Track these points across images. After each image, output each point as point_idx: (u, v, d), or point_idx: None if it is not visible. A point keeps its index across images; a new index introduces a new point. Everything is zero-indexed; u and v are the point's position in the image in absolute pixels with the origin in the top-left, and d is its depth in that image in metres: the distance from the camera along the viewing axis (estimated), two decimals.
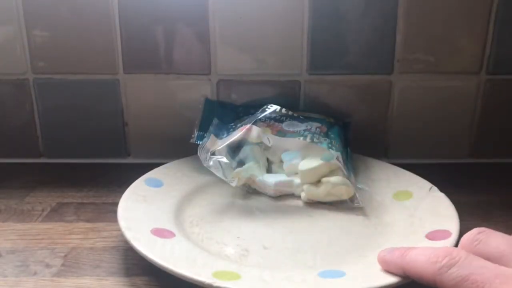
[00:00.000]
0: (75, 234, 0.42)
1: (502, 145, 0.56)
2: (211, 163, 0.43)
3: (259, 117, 0.47)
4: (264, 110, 0.47)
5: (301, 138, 0.45)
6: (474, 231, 0.30)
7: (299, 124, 0.48)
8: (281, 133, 0.46)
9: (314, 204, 0.45)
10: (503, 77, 0.53)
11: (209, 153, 0.44)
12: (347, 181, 0.44)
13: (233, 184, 0.44)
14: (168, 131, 0.55)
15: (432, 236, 0.37)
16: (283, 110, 0.48)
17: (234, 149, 0.46)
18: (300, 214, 0.44)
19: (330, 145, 0.45)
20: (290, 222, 0.42)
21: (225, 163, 0.44)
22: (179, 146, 0.51)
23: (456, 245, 0.35)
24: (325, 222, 0.42)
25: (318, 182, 0.44)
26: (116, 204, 0.40)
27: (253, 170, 0.46)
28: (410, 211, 0.42)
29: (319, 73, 0.53)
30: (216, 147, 0.44)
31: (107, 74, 0.53)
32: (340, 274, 0.33)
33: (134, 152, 0.56)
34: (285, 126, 0.48)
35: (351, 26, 0.51)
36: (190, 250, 0.36)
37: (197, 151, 0.44)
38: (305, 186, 0.45)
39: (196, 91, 0.54)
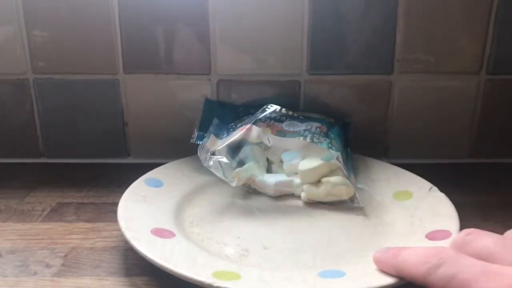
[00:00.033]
0: (75, 234, 0.42)
1: (502, 145, 0.56)
2: (211, 163, 0.43)
3: (259, 117, 0.47)
4: (264, 110, 0.47)
5: (301, 138, 0.45)
6: (462, 233, 0.31)
7: (299, 124, 0.48)
8: (281, 133, 0.46)
9: (314, 204, 0.45)
10: (503, 77, 0.53)
11: (209, 153, 0.44)
12: (347, 181, 0.44)
13: (233, 184, 0.44)
14: (168, 131, 0.55)
15: (432, 236, 0.37)
16: (283, 110, 0.48)
17: (234, 149, 0.46)
18: (300, 214, 0.44)
19: (330, 145, 0.45)
20: (290, 222, 0.42)
21: (225, 163, 0.44)
22: (179, 146, 0.51)
23: None
24: (325, 222, 0.42)
25: (318, 182, 0.44)
26: (116, 204, 0.40)
27: (253, 170, 0.46)
28: (410, 211, 0.42)
29: (319, 73, 0.53)
30: (216, 147, 0.44)
31: (107, 74, 0.53)
32: (340, 274, 0.33)
33: (134, 152, 0.56)
34: (285, 126, 0.48)
35: (351, 26, 0.51)
36: (190, 250, 0.36)
37: (197, 151, 0.44)
38: (305, 186, 0.45)
39: (196, 91, 0.54)
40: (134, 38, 0.52)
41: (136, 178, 0.45)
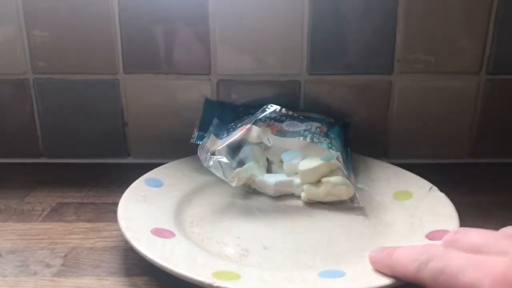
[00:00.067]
0: (75, 234, 0.42)
1: (502, 145, 0.56)
2: (211, 163, 0.43)
3: (259, 117, 0.47)
4: (264, 110, 0.47)
5: (301, 138, 0.45)
6: (451, 233, 0.31)
7: (299, 124, 0.48)
8: (281, 133, 0.46)
9: (314, 204, 0.45)
10: (503, 77, 0.53)
11: (209, 153, 0.44)
12: (347, 181, 0.44)
13: (233, 184, 0.44)
14: (168, 131, 0.55)
15: (432, 236, 0.37)
16: (283, 110, 0.48)
17: (234, 149, 0.46)
18: (300, 214, 0.44)
19: (330, 145, 0.45)
20: (290, 222, 0.42)
21: (225, 163, 0.44)
22: (179, 146, 0.51)
23: None
24: (325, 222, 0.42)
25: (318, 182, 0.44)
26: (116, 204, 0.40)
27: (253, 170, 0.46)
28: (410, 211, 0.42)
29: (319, 73, 0.53)
30: (216, 147, 0.44)
31: (107, 74, 0.53)
32: (340, 274, 0.33)
33: (134, 152, 0.56)
34: (285, 126, 0.48)
35: (351, 26, 0.51)
36: (190, 250, 0.36)
37: (197, 151, 0.44)
38: (305, 186, 0.45)
39: (196, 91, 0.54)
40: (134, 38, 0.52)
41: (136, 178, 0.45)
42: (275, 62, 0.53)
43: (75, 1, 0.50)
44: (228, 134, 0.46)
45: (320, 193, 0.44)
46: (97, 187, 0.50)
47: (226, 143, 0.44)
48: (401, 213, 0.42)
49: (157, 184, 0.45)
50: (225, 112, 0.51)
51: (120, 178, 0.50)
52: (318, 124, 0.48)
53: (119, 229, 0.37)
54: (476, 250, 0.28)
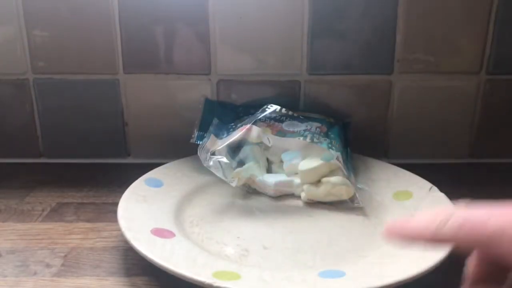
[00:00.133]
0: (75, 234, 0.42)
1: (502, 145, 0.56)
2: (211, 163, 0.43)
3: (259, 117, 0.47)
4: (264, 110, 0.47)
5: (301, 138, 0.45)
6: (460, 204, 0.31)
7: (299, 124, 0.48)
8: (281, 133, 0.46)
9: (314, 204, 0.45)
10: (503, 77, 0.53)
11: (209, 153, 0.44)
12: (347, 181, 0.44)
13: (233, 184, 0.44)
14: (168, 131, 0.55)
15: None
16: (283, 110, 0.48)
17: (234, 149, 0.46)
18: (300, 214, 0.44)
19: (330, 145, 0.45)
20: (290, 222, 0.42)
21: (225, 163, 0.44)
22: (179, 146, 0.51)
23: None
24: (325, 222, 0.42)
25: (318, 182, 0.44)
26: (116, 204, 0.40)
27: (253, 170, 0.46)
28: (410, 211, 0.42)
29: (319, 73, 0.53)
30: (216, 147, 0.44)
31: (107, 74, 0.53)
32: (340, 274, 0.33)
33: (134, 152, 0.56)
34: (285, 126, 0.48)
35: (351, 26, 0.51)
36: (190, 250, 0.36)
37: (197, 151, 0.44)
38: (305, 186, 0.45)
39: (196, 91, 0.54)
40: (134, 38, 0.52)
41: (136, 178, 0.45)
42: (275, 62, 0.53)
43: (75, 1, 0.50)
44: (228, 134, 0.46)
45: (320, 193, 0.44)
46: (97, 187, 0.50)
47: (226, 143, 0.44)
48: (401, 213, 0.42)
49: (157, 184, 0.45)
50: (225, 112, 0.51)
51: (120, 178, 0.50)
52: (318, 124, 0.48)
53: (119, 229, 0.37)
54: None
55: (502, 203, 0.30)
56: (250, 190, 0.47)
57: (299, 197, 0.46)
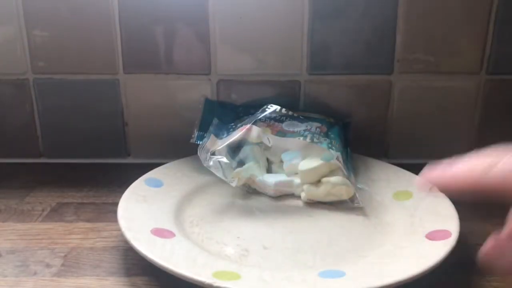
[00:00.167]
0: (75, 234, 0.42)
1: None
2: (211, 163, 0.43)
3: (259, 117, 0.47)
4: (264, 110, 0.47)
5: (301, 138, 0.45)
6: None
7: (299, 124, 0.48)
8: (281, 133, 0.46)
9: (314, 204, 0.45)
10: (503, 77, 0.53)
11: (209, 153, 0.44)
12: (347, 181, 0.44)
13: (233, 184, 0.44)
14: (168, 131, 0.55)
15: (432, 236, 0.37)
16: (283, 110, 0.48)
17: (234, 149, 0.46)
18: (300, 214, 0.44)
19: (330, 145, 0.45)
20: (290, 222, 0.42)
21: (225, 163, 0.44)
22: (179, 146, 0.51)
23: (456, 245, 0.35)
24: (325, 222, 0.42)
25: (318, 182, 0.44)
26: (116, 204, 0.40)
27: (253, 170, 0.46)
28: (410, 211, 0.42)
29: (319, 73, 0.53)
30: (216, 147, 0.44)
31: (107, 74, 0.53)
32: (340, 274, 0.33)
33: (134, 152, 0.56)
34: (285, 126, 0.48)
35: (351, 26, 0.51)
36: (190, 250, 0.36)
37: (197, 151, 0.44)
38: (305, 186, 0.45)
39: (196, 91, 0.54)
40: (134, 38, 0.52)
41: (136, 178, 0.45)
42: (275, 62, 0.53)
43: (75, 1, 0.50)
44: (228, 134, 0.46)
45: (320, 193, 0.44)
46: (97, 187, 0.50)
47: (226, 143, 0.44)
48: (401, 213, 0.42)
49: (157, 184, 0.45)
50: (225, 112, 0.51)
51: (120, 178, 0.50)
52: (318, 124, 0.48)
53: (119, 229, 0.37)
54: None
55: None
56: (250, 190, 0.47)
57: (299, 197, 0.46)
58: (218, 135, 0.46)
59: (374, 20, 0.51)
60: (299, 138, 0.45)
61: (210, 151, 0.44)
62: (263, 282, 0.32)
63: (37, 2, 0.51)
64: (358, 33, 0.52)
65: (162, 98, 0.54)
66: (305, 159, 0.45)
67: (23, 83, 0.54)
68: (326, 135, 0.47)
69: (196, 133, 0.48)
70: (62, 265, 0.37)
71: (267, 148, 0.47)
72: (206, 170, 0.44)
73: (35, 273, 0.36)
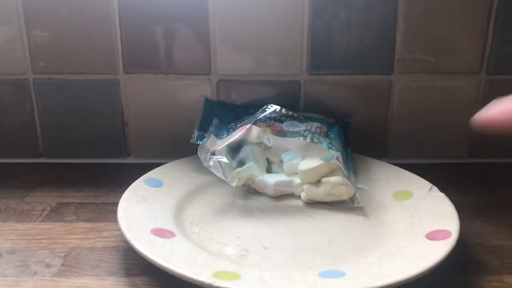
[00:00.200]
0: (75, 234, 0.42)
1: (502, 145, 0.56)
2: (211, 163, 0.43)
3: (259, 117, 0.47)
4: (264, 110, 0.47)
5: (301, 138, 0.45)
6: None
7: (299, 124, 0.48)
8: (281, 133, 0.46)
9: (314, 204, 0.45)
10: (503, 77, 0.53)
11: (209, 153, 0.44)
12: (347, 181, 0.44)
13: (233, 184, 0.44)
14: (168, 131, 0.55)
15: (432, 236, 0.37)
16: (283, 110, 0.48)
17: (234, 149, 0.46)
18: (300, 214, 0.44)
19: (330, 145, 0.45)
20: (290, 222, 0.42)
21: (225, 163, 0.44)
22: (179, 146, 0.51)
23: (456, 245, 0.35)
24: (325, 222, 0.42)
25: (318, 182, 0.44)
26: (116, 204, 0.40)
27: (253, 170, 0.46)
28: (410, 211, 0.42)
29: (319, 73, 0.53)
30: (216, 147, 0.44)
31: (107, 74, 0.53)
32: (340, 274, 0.33)
33: (134, 152, 0.56)
34: (285, 126, 0.48)
35: (351, 26, 0.51)
36: (190, 250, 0.36)
37: (197, 151, 0.44)
38: (305, 186, 0.45)
39: (196, 91, 0.54)
40: (134, 38, 0.52)
41: (136, 178, 0.45)
42: (275, 62, 0.53)
43: (75, 1, 0.50)
44: (228, 134, 0.46)
45: (320, 193, 0.44)
46: (97, 187, 0.50)
47: (226, 143, 0.44)
48: (401, 213, 0.42)
49: (157, 184, 0.45)
50: (225, 112, 0.51)
51: (120, 178, 0.50)
52: (318, 124, 0.48)
53: (119, 229, 0.37)
54: None
55: None
56: (250, 190, 0.47)
57: (299, 197, 0.46)
58: (218, 135, 0.46)
59: (374, 20, 0.51)
60: (299, 138, 0.45)
61: (210, 151, 0.44)
62: (263, 282, 0.32)
63: (37, 2, 0.51)
64: (358, 33, 0.52)
65: (162, 98, 0.54)
66: (305, 159, 0.45)
67: (23, 83, 0.54)
68: (326, 135, 0.47)
69: (196, 133, 0.48)
70: (62, 265, 0.37)
71: (267, 148, 0.47)
72: (206, 170, 0.44)
73: (35, 273, 0.36)
